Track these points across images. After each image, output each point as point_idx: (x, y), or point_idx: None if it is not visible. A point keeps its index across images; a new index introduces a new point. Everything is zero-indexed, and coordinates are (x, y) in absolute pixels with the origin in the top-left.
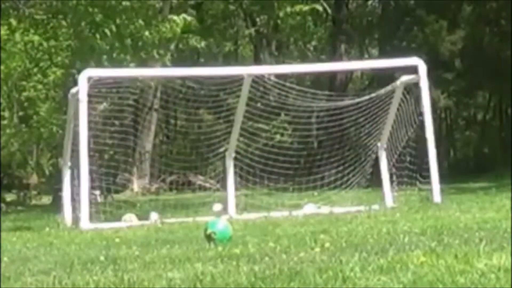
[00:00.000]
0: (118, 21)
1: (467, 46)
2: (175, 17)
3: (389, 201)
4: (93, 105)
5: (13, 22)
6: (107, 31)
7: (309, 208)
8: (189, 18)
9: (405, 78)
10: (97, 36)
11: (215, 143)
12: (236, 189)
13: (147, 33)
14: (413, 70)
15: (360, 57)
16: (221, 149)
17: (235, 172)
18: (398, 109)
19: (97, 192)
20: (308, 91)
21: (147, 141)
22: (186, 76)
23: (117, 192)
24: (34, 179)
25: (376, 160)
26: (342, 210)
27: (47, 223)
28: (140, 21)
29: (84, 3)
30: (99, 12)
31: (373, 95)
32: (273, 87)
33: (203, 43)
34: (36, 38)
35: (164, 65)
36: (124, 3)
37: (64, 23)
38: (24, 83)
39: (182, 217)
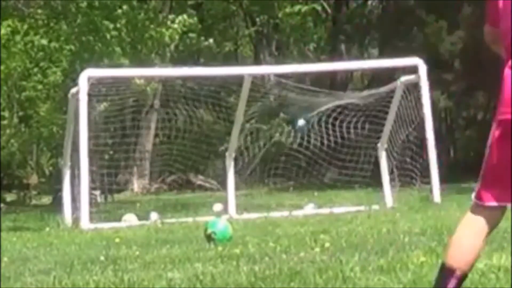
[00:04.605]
0: (118, 24)
1: (467, 46)
2: (176, 20)
3: (389, 201)
4: (93, 105)
5: (14, 23)
6: (107, 34)
7: (309, 208)
8: (190, 20)
9: (405, 78)
10: (97, 39)
11: (215, 143)
12: (236, 189)
13: (146, 35)
14: (413, 70)
15: (360, 57)
16: (221, 149)
17: (235, 172)
18: (398, 109)
19: (97, 192)
20: (309, 88)
21: (147, 141)
22: (186, 76)
23: (117, 192)
24: (34, 179)
25: (376, 160)
26: (342, 210)
27: (47, 223)
28: (139, 24)
29: (84, 6)
30: (99, 15)
31: (373, 92)
32: (273, 87)
33: (204, 44)
34: (36, 38)
35: (164, 65)
36: (124, 6)
37: (63, 24)
38: (24, 83)
39: (182, 217)
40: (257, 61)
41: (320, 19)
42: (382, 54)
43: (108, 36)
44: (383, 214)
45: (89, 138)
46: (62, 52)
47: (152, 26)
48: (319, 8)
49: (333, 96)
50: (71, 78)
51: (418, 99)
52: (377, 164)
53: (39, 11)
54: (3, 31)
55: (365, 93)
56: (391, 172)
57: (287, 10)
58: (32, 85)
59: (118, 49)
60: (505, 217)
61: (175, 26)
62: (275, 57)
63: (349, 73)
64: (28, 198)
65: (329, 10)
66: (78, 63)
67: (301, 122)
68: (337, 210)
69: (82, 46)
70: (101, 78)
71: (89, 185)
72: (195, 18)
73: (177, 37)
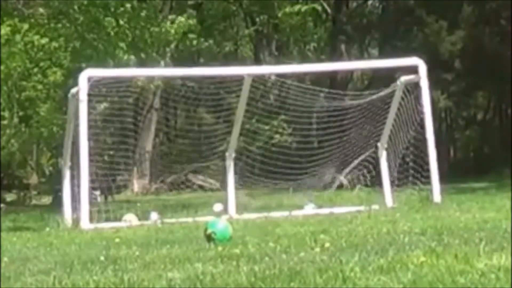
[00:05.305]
0: (121, 22)
1: (467, 46)
2: (178, 19)
3: (389, 201)
4: (93, 105)
5: (16, 23)
6: (110, 32)
7: (309, 208)
8: (191, 21)
9: (405, 78)
10: (100, 36)
11: (215, 142)
12: (236, 189)
13: (147, 34)
14: (413, 70)
15: (360, 57)
16: (221, 149)
17: (235, 172)
18: (398, 109)
19: (97, 192)
20: (308, 87)
21: (147, 141)
22: (186, 76)
23: (117, 192)
24: (34, 179)
25: (376, 160)
26: (342, 210)
27: (47, 223)
28: (141, 22)
29: (86, 3)
30: (102, 13)
31: (373, 97)
32: (273, 86)
33: (205, 44)
34: (36, 38)
35: (164, 65)
36: (127, 4)
37: (66, 22)
38: (24, 83)
39: (182, 217)
40: (257, 61)
41: (320, 19)
42: (382, 54)
43: (111, 33)
44: (383, 214)
45: (89, 138)
46: (66, 49)
47: (153, 24)
48: (319, 8)
49: (333, 96)
50: (74, 77)
51: (418, 99)
52: (377, 164)
53: (41, 9)
54: (3, 31)
55: (365, 94)
56: (391, 172)
57: (287, 10)
58: (32, 85)
59: (122, 44)
60: (505, 217)
61: (179, 23)
62: (275, 57)
63: (349, 73)
64: (28, 198)
65: (329, 10)
66: (82, 60)
67: (308, 204)
68: (337, 210)
69: (84, 44)
70: (101, 78)
71: (89, 185)
72: (195, 20)
73: (181, 31)
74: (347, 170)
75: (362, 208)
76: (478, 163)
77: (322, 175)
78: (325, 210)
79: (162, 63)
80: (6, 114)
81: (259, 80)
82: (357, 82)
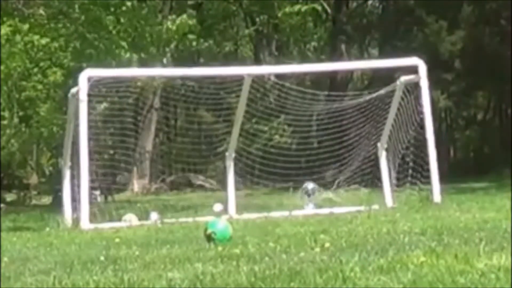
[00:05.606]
0: (122, 19)
1: (467, 46)
2: (178, 19)
3: (389, 201)
4: (93, 105)
5: (16, 23)
6: (112, 30)
7: (309, 208)
8: (190, 22)
9: (405, 78)
10: (101, 34)
11: (215, 143)
12: (236, 189)
13: (148, 33)
14: (413, 70)
15: (360, 57)
16: (221, 149)
17: (235, 172)
18: (398, 109)
19: (97, 192)
20: (308, 91)
21: (147, 141)
22: (186, 76)
23: (117, 192)
24: (34, 179)
25: (376, 160)
26: (342, 210)
27: (47, 223)
28: (142, 21)
29: (87, 2)
30: (102, 12)
31: (373, 95)
32: (273, 87)
33: (205, 44)
34: (36, 38)
35: (164, 65)
36: (127, 3)
37: (66, 22)
38: (24, 83)
39: (182, 217)
40: (257, 61)
41: (320, 19)
42: (382, 54)
43: (112, 32)
44: (383, 214)
45: (89, 138)
46: (67, 49)
47: (153, 24)
48: (319, 8)
49: (333, 99)
50: (74, 77)
51: (418, 99)
52: (377, 164)
53: (41, 11)
54: (3, 31)
55: (365, 93)
56: (391, 172)
57: (287, 10)
58: (32, 85)
59: (124, 43)
60: (505, 217)
61: (181, 19)
62: (275, 57)
63: (349, 73)
64: (28, 198)
65: (329, 10)
66: (83, 60)
67: (310, 185)
68: (337, 210)
69: (85, 43)
70: (101, 78)
71: (89, 185)
72: (195, 20)
73: (181, 32)
74: (347, 171)
75: (362, 208)
76: (478, 163)
77: (322, 175)
78: (325, 210)
79: (164, 60)
80: (6, 114)
81: (258, 82)
82: (357, 82)
